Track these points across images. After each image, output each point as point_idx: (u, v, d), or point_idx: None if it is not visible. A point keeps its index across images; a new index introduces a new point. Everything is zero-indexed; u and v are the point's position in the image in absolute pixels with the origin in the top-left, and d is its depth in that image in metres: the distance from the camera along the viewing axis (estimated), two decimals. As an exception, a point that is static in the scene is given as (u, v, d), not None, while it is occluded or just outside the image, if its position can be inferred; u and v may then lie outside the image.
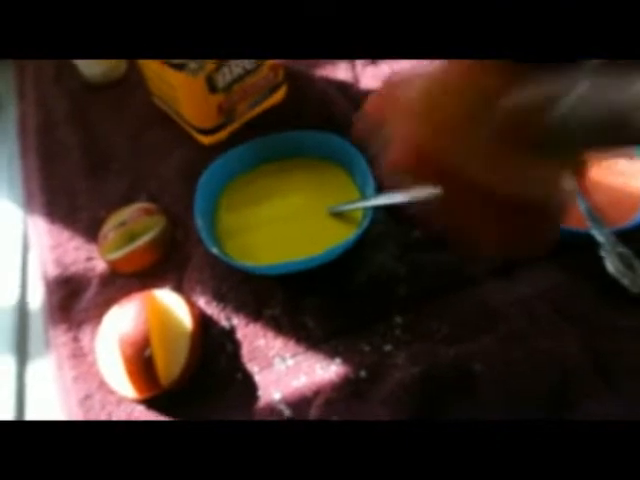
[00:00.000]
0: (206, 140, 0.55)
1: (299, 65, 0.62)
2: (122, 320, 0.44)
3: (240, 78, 0.52)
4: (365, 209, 0.47)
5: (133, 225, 0.50)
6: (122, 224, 0.50)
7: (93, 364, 0.47)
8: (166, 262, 0.51)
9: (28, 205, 0.57)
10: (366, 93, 0.59)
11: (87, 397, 0.46)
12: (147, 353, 0.43)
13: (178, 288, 0.50)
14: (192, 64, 0.47)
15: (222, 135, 0.55)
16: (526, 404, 0.42)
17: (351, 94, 0.59)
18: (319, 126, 0.55)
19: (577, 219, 0.46)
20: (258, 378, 0.46)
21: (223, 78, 0.51)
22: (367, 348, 0.46)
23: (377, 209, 0.48)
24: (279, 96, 0.58)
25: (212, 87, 0.50)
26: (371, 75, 0.61)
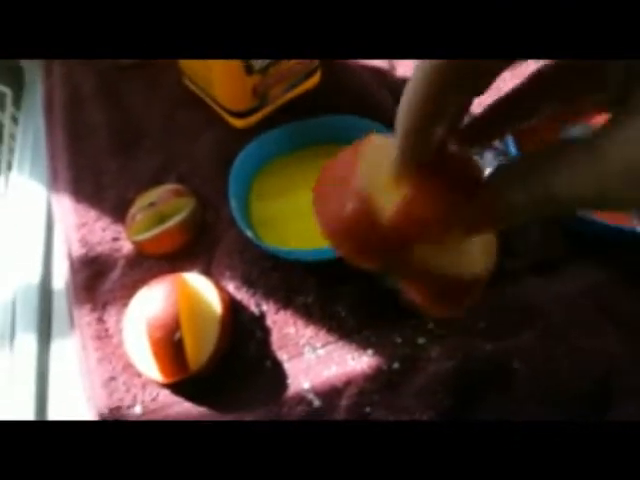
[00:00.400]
0: (238, 123, 0.54)
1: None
2: (151, 302, 0.43)
3: (277, 61, 0.51)
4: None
5: (163, 206, 0.49)
6: (151, 205, 0.49)
7: (118, 346, 0.46)
8: (195, 245, 0.50)
9: (53, 183, 0.56)
10: (402, 81, 0.58)
11: (111, 379, 0.45)
12: (176, 336, 0.42)
13: (207, 272, 0.49)
14: (231, 43, 0.46)
15: (255, 118, 0.54)
16: (564, 403, 0.41)
17: (387, 81, 0.58)
18: (353, 113, 0.54)
19: (623, 217, 0.44)
20: (287, 366, 0.45)
21: (260, 60, 0.49)
22: (399, 340, 0.45)
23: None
24: (314, 81, 0.56)
25: (249, 69, 0.49)
26: (407, 62, 0.59)
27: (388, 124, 0.51)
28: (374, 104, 0.55)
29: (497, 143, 0.53)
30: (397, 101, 0.57)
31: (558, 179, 0.19)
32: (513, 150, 0.47)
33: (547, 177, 0.19)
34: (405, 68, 0.59)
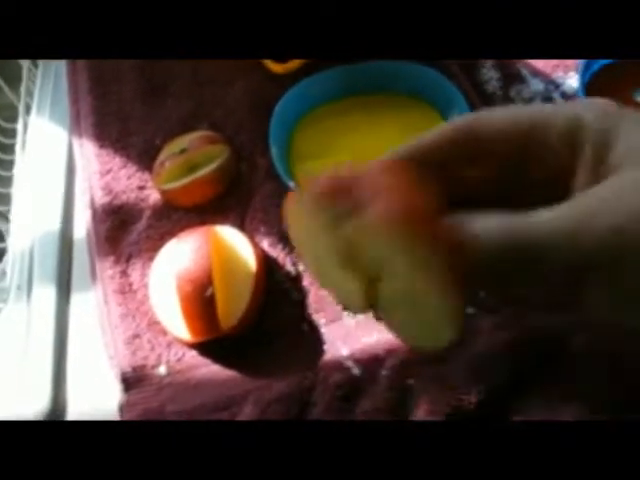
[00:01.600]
0: (279, 68, 0.49)
1: None
2: (181, 255, 0.40)
3: None
4: None
5: (194, 154, 0.45)
6: (182, 152, 0.45)
7: (143, 302, 0.43)
8: (228, 197, 0.46)
9: (75, 127, 0.52)
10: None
11: (135, 336, 0.42)
12: (208, 292, 0.38)
13: (240, 226, 0.45)
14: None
15: (295, 64, 0.49)
16: (631, 389, 0.37)
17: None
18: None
19: None
20: (324, 331, 0.41)
21: None
22: (471, 311, 0.41)
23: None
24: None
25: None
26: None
27: (445, 71, 0.47)
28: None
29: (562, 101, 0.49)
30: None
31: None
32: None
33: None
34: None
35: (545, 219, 0.18)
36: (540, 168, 0.22)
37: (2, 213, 0.72)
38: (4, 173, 0.69)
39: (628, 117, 0.20)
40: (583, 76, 0.46)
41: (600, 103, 0.21)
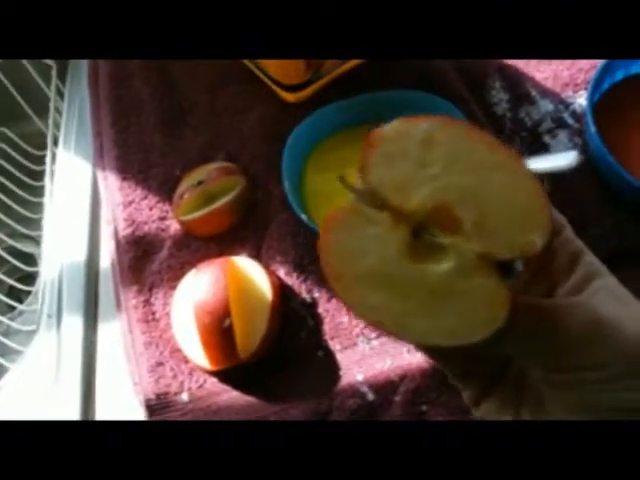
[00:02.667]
0: (291, 97, 0.50)
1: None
2: (199, 286, 0.41)
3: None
4: None
5: (211, 185, 0.47)
6: (200, 184, 0.47)
7: (166, 330, 0.45)
8: (244, 226, 0.48)
9: (98, 160, 0.54)
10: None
11: (158, 364, 0.43)
12: (226, 323, 0.40)
13: (256, 255, 0.46)
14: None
15: (307, 92, 0.50)
16: None
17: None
18: (413, 86, 0.51)
19: None
20: (340, 357, 0.43)
21: (315, 28, 0.46)
22: None
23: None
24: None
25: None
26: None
27: (452, 99, 0.48)
28: (436, 77, 0.51)
29: (572, 121, 0.49)
30: (461, 74, 0.53)
31: None
32: (593, 129, 0.43)
33: None
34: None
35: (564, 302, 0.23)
36: (540, 275, 0.25)
37: (33, 238, 0.75)
38: (34, 199, 0.72)
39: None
40: (592, 95, 0.46)
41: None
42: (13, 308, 0.72)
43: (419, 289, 0.21)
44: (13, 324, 0.65)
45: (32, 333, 0.63)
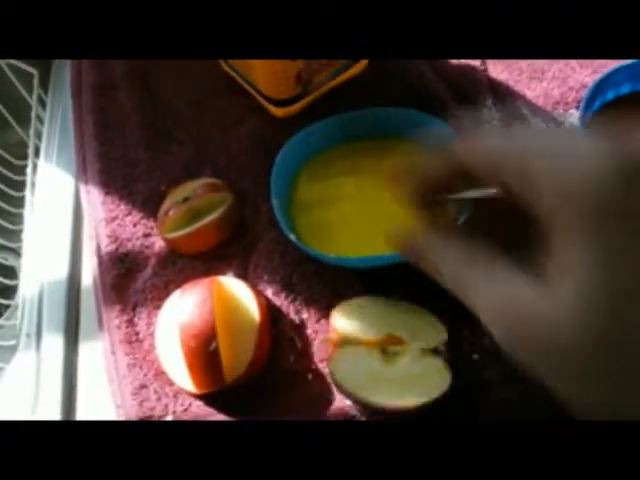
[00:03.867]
0: (280, 112, 0.50)
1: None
2: (186, 308, 0.40)
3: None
4: (461, 201, 0.42)
5: (198, 202, 0.46)
6: (185, 200, 0.46)
7: (149, 351, 0.43)
8: (231, 244, 0.47)
9: (81, 173, 0.53)
10: (458, 70, 0.53)
11: (142, 386, 0.42)
12: (212, 347, 0.39)
13: (243, 274, 0.45)
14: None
15: (297, 107, 0.50)
16: None
17: (439, 66, 0.53)
18: (402, 101, 0.50)
19: None
20: (330, 380, 0.42)
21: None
22: (476, 357, 0.41)
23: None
24: (360, 67, 0.52)
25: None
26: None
27: (443, 116, 0.47)
28: (428, 95, 0.50)
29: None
30: (453, 92, 0.53)
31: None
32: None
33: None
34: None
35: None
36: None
37: (14, 249, 0.73)
38: (14, 210, 0.70)
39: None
40: (584, 114, 0.46)
41: None
42: (-9, 322, 0.70)
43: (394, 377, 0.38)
44: (-9, 339, 0.63)
45: (11, 349, 0.62)
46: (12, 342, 0.60)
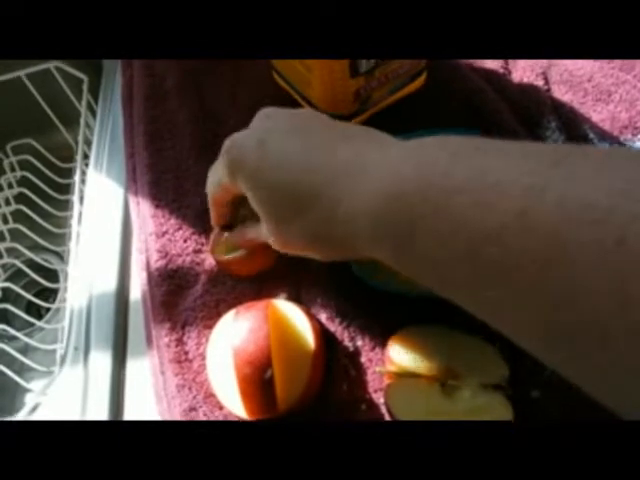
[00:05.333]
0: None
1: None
2: (240, 334, 0.39)
3: (384, 61, 0.45)
4: None
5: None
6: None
7: (199, 372, 0.43)
8: (282, 264, 0.45)
9: (131, 185, 0.52)
10: (519, 86, 0.51)
11: (191, 409, 0.41)
12: (267, 374, 0.38)
13: (296, 296, 0.44)
14: (340, 44, 0.41)
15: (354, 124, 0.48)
16: None
17: (501, 85, 0.51)
18: (462, 121, 0.48)
19: None
20: (384, 410, 0.40)
21: (367, 61, 0.44)
22: (536, 394, 0.40)
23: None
24: (418, 84, 0.50)
25: (354, 70, 0.44)
26: (524, 66, 0.53)
27: (505, 136, 0.45)
28: (487, 113, 0.48)
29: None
30: (516, 113, 0.51)
31: None
32: None
33: None
34: (522, 72, 0.52)
35: None
36: None
37: (57, 252, 0.73)
38: (59, 213, 0.70)
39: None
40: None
41: None
42: (32, 324, 0.70)
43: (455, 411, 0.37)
44: (32, 341, 0.63)
45: (52, 352, 0.62)
46: (54, 346, 0.60)
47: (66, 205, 0.72)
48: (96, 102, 0.63)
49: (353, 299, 0.43)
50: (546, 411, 0.39)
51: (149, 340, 0.45)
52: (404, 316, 0.42)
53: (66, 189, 0.73)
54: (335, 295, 0.43)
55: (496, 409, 0.36)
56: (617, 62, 0.52)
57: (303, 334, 0.40)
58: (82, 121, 0.62)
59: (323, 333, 0.42)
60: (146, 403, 0.43)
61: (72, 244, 0.56)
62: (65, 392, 0.46)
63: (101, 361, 0.46)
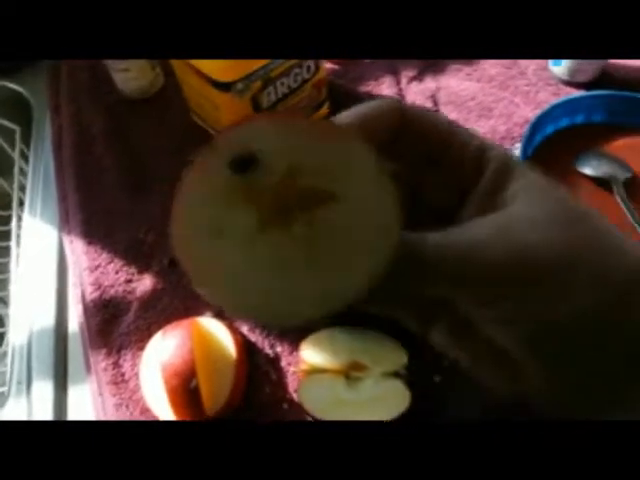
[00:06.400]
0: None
1: (341, 81, 0.60)
2: (166, 350, 0.43)
3: (284, 97, 0.51)
4: None
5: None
6: (163, 246, 0.49)
7: (135, 390, 0.46)
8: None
9: (64, 224, 0.56)
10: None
11: (129, 426, 0.45)
12: (193, 384, 0.42)
13: (220, 313, 0.49)
14: (239, 85, 0.46)
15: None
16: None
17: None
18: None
19: None
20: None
21: (268, 98, 0.49)
22: (437, 379, 0.45)
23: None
24: (322, 114, 0.56)
25: (256, 107, 0.49)
26: (415, 91, 0.59)
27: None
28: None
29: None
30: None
31: None
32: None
33: None
34: (414, 96, 0.59)
35: (435, 243, 0.19)
36: (448, 181, 0.23)
37: (1, 298, 0.76)
38: (0, 259, 0.73)
39: (522, 164, 0.22)
40: (525, 149, 0.50)
41: (500, 146, 0.23)
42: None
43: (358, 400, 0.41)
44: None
45: (1, 396, 0.64)
46: (3, 388, 0.63)
47: (6, 252, 0.75)
48: (29, 151, 0.67)
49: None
50: (446, 394, 0.43)
51: (88, 366, 0.48)
52: (319, 322, 0.47)
53: (5, 236, 0.75)
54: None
55: (393, 396, 0.41)
56: (496, 81, 0.59)
57: (225, 346, 0.44)
58: (16, 169, 0.66)
59: (245, 343, 0.46)
60: (88, 426, 0.47)
61: (12, 287, 0.59)
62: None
63: (43, 391, 0.49)
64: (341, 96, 0.58)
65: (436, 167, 0.23)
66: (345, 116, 0.22)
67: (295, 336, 0.46)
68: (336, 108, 0.58)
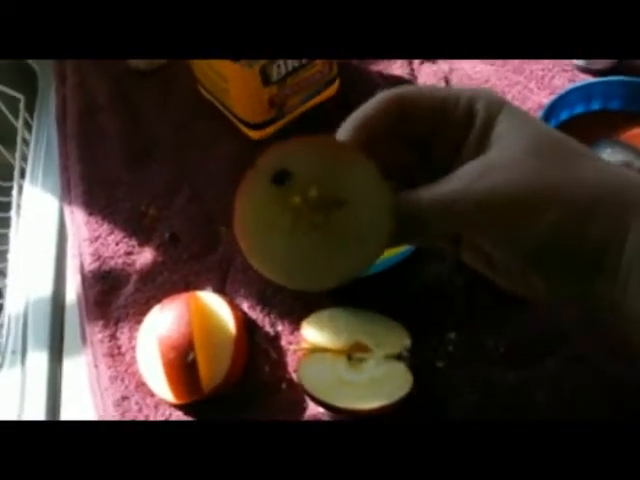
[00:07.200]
0: (255, 134, 0.52)
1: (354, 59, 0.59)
2: (164, 323, 0.42)
3: (294, 71, 0.49)
4: None
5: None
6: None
7: (131, 364, 0.45)
8: (209, 260, 0.49)
9: (65, 195, 0.55)
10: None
11: (124, 398, 0.44)
12: (190, 358, 0.41)
13: (221, 289, 0.48)
14: (248, 55, 0.45)
15: (271, 130, 0.52)
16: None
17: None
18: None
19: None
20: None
21: (277, 70, 0.48)
22: (440, 364, 0.43)
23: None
24: (331, 91, 0.55)
25: (266, 79, 0.48)
26: (428, 72, 0.58)
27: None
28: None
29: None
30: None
31: None
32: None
33: None
34: (427, 77, 0.57)
35: (428, 196, 0.24)
36: (450, 136, 0.26)
37: (0, 270, 0.75)
38: (1, 230, 0.72)
39: (509, 105, 0.25)
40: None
41: (489, 90, 0.27)
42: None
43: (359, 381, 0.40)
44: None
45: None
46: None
47: (7, 223, 0.74)
48: (32, 120, 0.66)
49: (273, 287, 0.47)
50: (448, 380, 0.42)
51: (84, 338, 0.47)
52: (321, 301, 0.46)
53: (6, 207, 0.75)
54: (257, 285, 0.47)
55: (396, 379, 0.40)
56: (510, 65, 0.58)
57: (224, 321, 0.43)
58: (19, 138, 0.65)
59: (245, 320, 0.45)
60: (82, 398, 0.46)
61: (11, 258, 0.58)
62: (3, 394, 0.47)
63: (38, 361, 0.48)
64: (353, 74, 0.57)
65: (438, 134, 0.27)
66: (349, 122, 0.28)
67: (296, 315, 0.45)
68: (347, 87, 0.56)
